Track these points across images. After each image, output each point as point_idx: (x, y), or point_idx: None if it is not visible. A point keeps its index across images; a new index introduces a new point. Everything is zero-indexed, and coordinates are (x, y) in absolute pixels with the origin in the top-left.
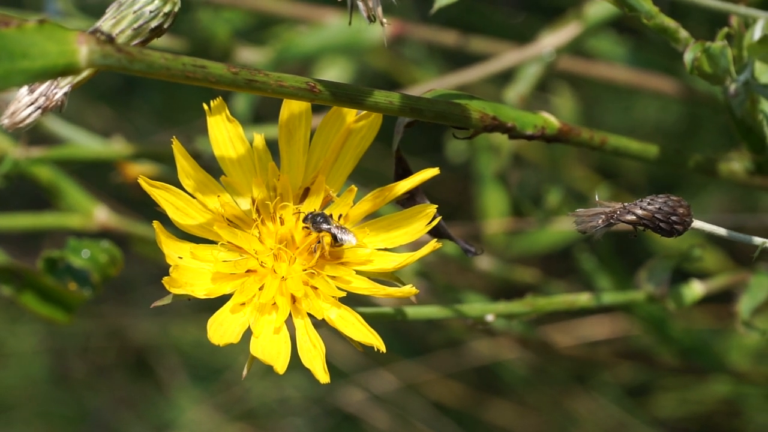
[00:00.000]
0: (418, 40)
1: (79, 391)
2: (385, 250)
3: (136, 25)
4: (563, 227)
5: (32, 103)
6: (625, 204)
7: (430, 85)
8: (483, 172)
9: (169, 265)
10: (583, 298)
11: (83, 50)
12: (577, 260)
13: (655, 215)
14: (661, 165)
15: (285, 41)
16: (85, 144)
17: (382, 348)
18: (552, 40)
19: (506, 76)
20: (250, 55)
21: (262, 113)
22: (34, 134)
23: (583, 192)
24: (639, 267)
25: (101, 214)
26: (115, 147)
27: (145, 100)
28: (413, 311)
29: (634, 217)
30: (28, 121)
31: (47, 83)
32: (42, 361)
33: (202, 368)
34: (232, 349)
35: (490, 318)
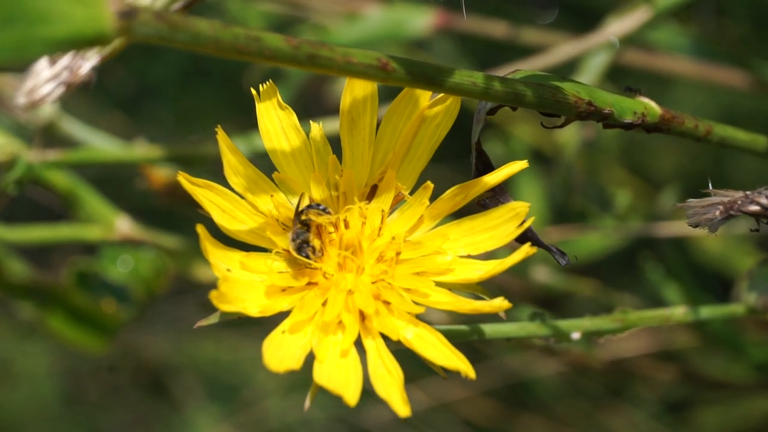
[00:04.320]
0: (464, 32)
1: (92, 412)
2: (468, 257)
3: None
4: (602, 234)
5: (54, 78)
6: (747, 192)
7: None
8: (519, 175)
9: (215, 278)
10: (678, 313)
11: (115, 16)
12: (641, 270)
13: None
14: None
15: (320, 33)
16: (105, 147)
17: (472, 374)
18: (617, 27)
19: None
20: None
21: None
22: (47, 138)
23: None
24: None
25: (123, 225)
26: (138, 150)
27: (156, 110)
28: (491, 329)
29: (758, 208)
30: (49, 99)
31: (71, 54)
32: (54, 382)
33: (219, 387)
34: (249, 366)
35: (576, 336)
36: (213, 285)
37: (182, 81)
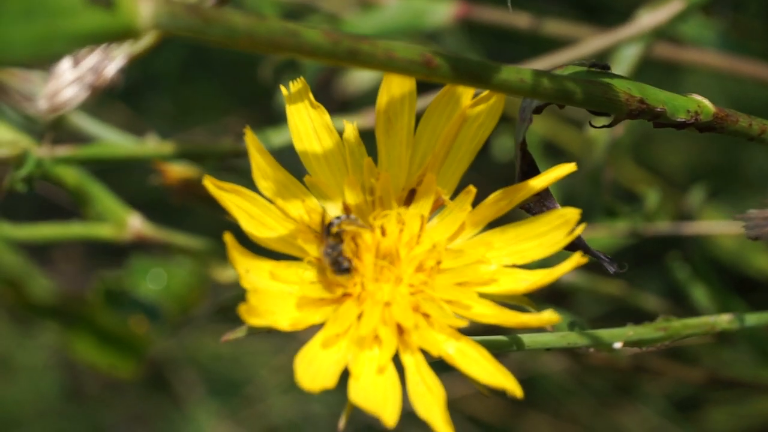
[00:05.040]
0: (484, 23)
1: (92, 407)
2: (514, 266)
3: None
4: (607, 232)
5: (77, 80)
6: None
7: None
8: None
9: (243, 289)
10: (724, 320)
11: (146, 8)
12: (668, 269)
13: None
14: None
15: (334, 24)
16: (117, 142)
17: (519, 393)
18: (650, 19)
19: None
20: None
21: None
22: (57, 132)
23: (634, 191)
24: None
25: (135, 223)
26: (150, 145)
27: (159, 101)
28: (531, 339)
29: None
30: (72, 103)
31: (95, 55)
32: (53, 376)
33: (221, 382)
34: (252, 362)
35: (618, 345)
36: (230, 287)
37: (184, 72)
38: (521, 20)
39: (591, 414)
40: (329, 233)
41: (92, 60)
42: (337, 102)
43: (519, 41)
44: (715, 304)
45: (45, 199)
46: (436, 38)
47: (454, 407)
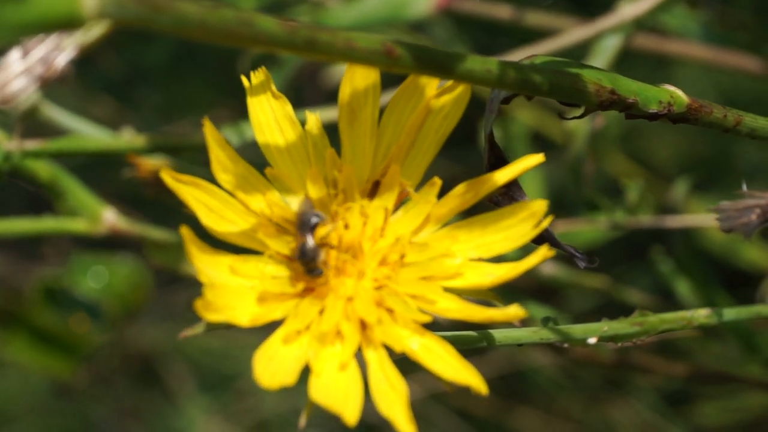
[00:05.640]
0: (466, 14)
1: (82, 401)
2: (479, 260)
3: None
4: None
5: (26, 72)
6: None
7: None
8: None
9: (200, 283)
10: (702, 315)
11: None
12: (653, 262)
13: None
14: None
15: (315, 16)
16: (90, 135)
17: (484, 390)
18: (631, 9)
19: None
20: None
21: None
22: (30, 124)
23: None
24: None
25: (110, 217)
26: (125, 138)
27: (147, 95)
28: (502, 335)
29: None
30: (21, 95)
31: (46, 45)
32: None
33: (211, 376)
34: (243, 356)
35: (592, 341)
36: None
37: (174, 66)
38: (503, 11)
39: (581, 408)
40: (310, 230)
41: (41, 51)
42: (325, 93)
43: (508, 33)
44: (700, 298)
45: (35, 195)
46: (424, 29)
47: (443, 401)
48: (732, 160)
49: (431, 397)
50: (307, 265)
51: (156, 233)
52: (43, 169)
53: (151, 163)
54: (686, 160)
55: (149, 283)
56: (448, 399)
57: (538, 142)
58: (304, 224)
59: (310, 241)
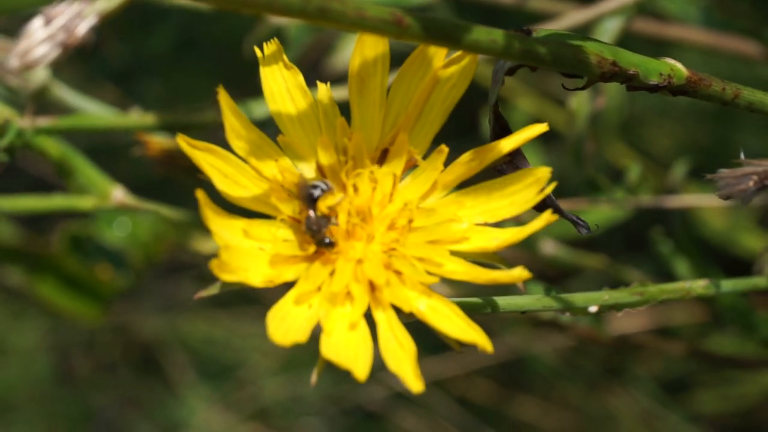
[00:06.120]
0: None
1: (83, 389)
2: (485, 225)
3: None
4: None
5: (49, 39)
6: None
7: None
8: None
9: (214, 249)
10: (700, 285)
11: None
12: (651, 243)
13: None
14: None
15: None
16: (99, 113)
17: (488, 347)
18: None
19: None
20: (278, 19)
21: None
22: (40, 105)
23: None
24: None
25: (118, 194)
26: (132, 116)
27: (150, 84)
28: (505, 302)
29: None
30: (43, 61)
31: (67, 13)
32: (45, 359)
33: (212, 365)
34: (243, 345)
35: (593, 309)
36: (213, 258)
37: (175, 56)
38: None
39: (581, 396)
40: (312, 202)
41: (63, 18)
42: (326, 81)
43: (511, 19)
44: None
45: (34, 178)
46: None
47: (444, 389)
48: (731, 149)
49: (432, 384)
50: (315, 237)
51: (165, 210)
52: (53, 148)
53: (159, 141)
54: (686, 149)
55: (170, 234)
56: (449, 387)
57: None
58: (305, 197)
59: (312, 213)
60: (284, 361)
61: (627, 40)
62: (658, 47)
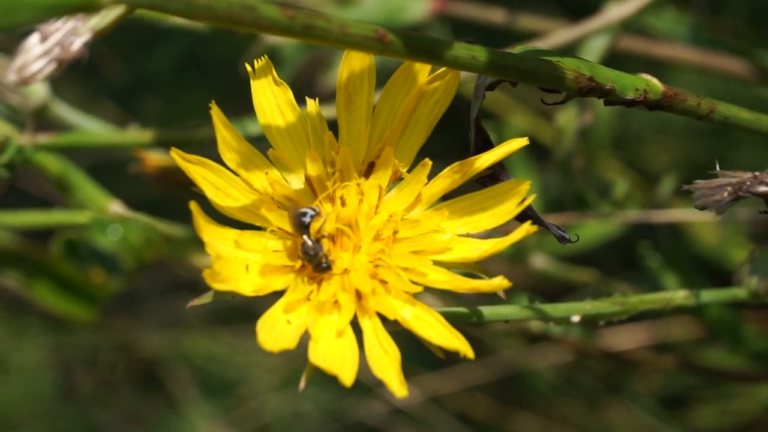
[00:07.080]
0: (460, 18)
1: (86, 406)
2: (467, 235)
3: None
4: (600, 221)
5: (45, 54)
6: (756, 173)
7: None
8: (513, 163)
9: (208, 258)
10: (680, 296)
11: None
12: (640, 258)
13: None
14: None
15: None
16: (98, 131)
17: (470, 354)
18: (618, 11)
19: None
20: (273, 38)
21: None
22: (39, 122)
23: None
24: None
25: (117, 209)
26: (130, 134)
27: (150, 103)
28: (490, 311)
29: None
30: (39, 76)
31: (62, 30)
32: (47, 376)
33: (214, 382)
34: (245, 362)
35: (575, 319)
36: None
37: (176, 74)
38: (495, 15)
39: (580, 412)
40: (305, 229)
41: (59, 35)
42: (321, 98)
43: (501, 37)
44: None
45: (33, 196)
46: (420, 33)
47: (443, 405)
48: (727, 165)
49: (431, 400)
50: (312, 261)
51: (162, 226)
52: (53, 164)
53: (156, 158)
54: (683, 165)
55: (160, 240)
56: (448, 402)
57: (533, 147)
58: (297, 226)
59: (308, 240)
60: (286, 377)
61: (617, 59)
62: (650, 67)
